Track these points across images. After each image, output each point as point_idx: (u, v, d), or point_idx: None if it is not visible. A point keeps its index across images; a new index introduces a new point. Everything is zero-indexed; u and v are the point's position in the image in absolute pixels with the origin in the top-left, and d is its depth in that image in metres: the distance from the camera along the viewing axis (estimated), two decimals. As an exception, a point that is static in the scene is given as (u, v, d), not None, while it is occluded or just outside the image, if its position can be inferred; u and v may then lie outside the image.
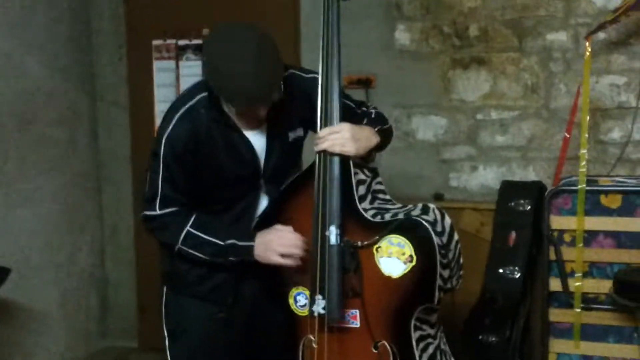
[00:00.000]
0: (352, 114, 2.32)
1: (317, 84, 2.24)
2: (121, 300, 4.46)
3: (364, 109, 2.39)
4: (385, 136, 2.31)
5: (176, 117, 2.24)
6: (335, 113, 2.19)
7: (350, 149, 2.15)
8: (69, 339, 4.18)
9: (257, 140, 2.30)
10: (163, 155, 2.24)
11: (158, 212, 2.28)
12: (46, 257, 4.01)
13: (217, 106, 2.25)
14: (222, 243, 2.25)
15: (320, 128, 2.20)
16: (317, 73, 2.26)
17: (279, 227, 2.23)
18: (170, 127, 2.23)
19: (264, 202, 2.34)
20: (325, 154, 2.18)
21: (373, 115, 2.35)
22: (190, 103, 2.26)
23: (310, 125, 2.34)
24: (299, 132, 2.37)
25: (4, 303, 3.63)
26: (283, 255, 2.20)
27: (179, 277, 2.39)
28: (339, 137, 2.15)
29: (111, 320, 4.48)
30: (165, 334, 2.42)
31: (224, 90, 2.15)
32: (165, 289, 2.43)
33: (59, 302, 4.11)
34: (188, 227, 2.26)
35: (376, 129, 2.26)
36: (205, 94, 2.26)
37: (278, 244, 2.20)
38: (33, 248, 3.92)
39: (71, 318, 4.20)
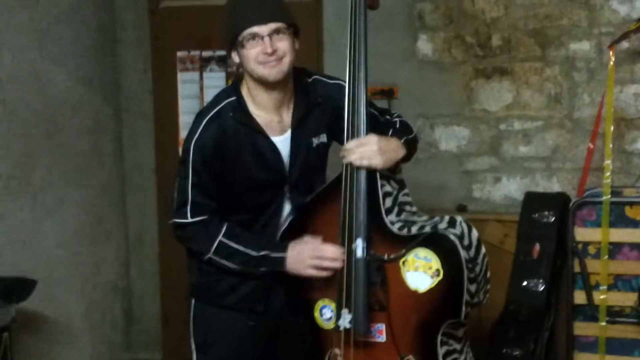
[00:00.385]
0: (375, 122, 2.33)
1: (341, 90, 2.25)
2: (146, 312, 4.48)
3: (388, 117, 2.40)
4: (411, 146, 2.31)
5: (204, 122, 2.27)
6: (362, 125, 2.19)
7: (377, 162, 2.16)
8: (93, 350, 4.20)
9: (282, 146, 2.31)
10: (192, 161, 2.26)
11: (189, 219, 2.29)
12: (71, 268, 4.04)
13: (244, 110, 2.27)
14: (254, 254, 2.26)
15: (347, 140, 2.20)
16: (341, 80, 2.29)
17: (308, 239, 2.24)
18: (198, 133, 2.26)
19: (287, 210, 2.35)
20: (352, 166, 2.18)
21: (398, 125, 2.34)
22: (218, 108, 2.29)
23: (334, 133, 2.35)
24: (323, 138, 2.38)
25: (30, 314, 3.66)
26: (315, 268, 2.21)
27: (209, 289, 2.39)
28: (367, 150, 2.15)
29: (135, 331, 4.50)
30: (193, 347, 2.43)
31: (233, 20, 2.21)
32: (193, 301, 2.43)
33: (84, 313, 4.13)
34: (221, 237, 2.27)
35: (402, 140, 2.26)
36: (232, 98, 2.29)
37: (310, 256, 2.20)
38: (58, 259, 3.95)
39: (96, 329, 4.23)
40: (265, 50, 2.19)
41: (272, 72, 2.22)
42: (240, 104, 2.27)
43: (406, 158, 2.28)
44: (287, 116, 2.32)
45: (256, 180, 2.30)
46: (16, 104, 3.68)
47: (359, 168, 2.17)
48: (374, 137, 2.17)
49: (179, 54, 4.23)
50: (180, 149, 4.12)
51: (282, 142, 2.31)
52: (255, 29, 2.18)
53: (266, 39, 2.19)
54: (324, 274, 2.21)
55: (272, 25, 2.19)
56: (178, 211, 2.31)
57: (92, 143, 4.20)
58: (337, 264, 2.19)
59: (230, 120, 2.26)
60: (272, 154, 2.29)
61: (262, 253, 2.26)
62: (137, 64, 4.34)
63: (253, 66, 2.22)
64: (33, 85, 3.78)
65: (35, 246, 3.78)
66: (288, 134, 2.32)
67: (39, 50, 3.81)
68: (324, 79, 2.40)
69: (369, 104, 2.33)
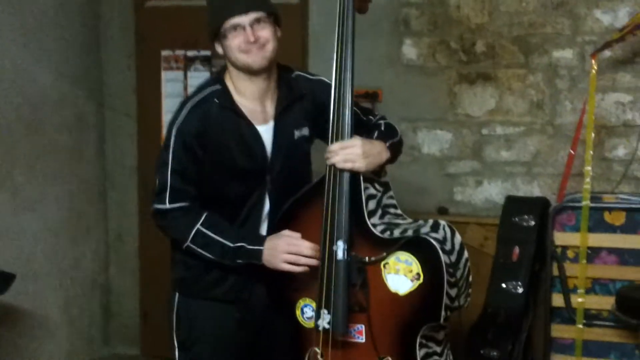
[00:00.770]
0: (358, 120, 2.33)
1: (324, 86, 2.30)
2: (124, 307, 4.47)
3: (371, 117, 2.42)
4: (396, 149, 2.33)
5: (187, 108, 2.28)
6: (347, 128, 2.20)
7: (360, 165, 2.17)
8: (71, 345, 4.20)
9: (265, 136, 2.33)
10: (173, 147, 2.26)
11: (168, 206, 2.28)
12: (50, 263, 4.03)
13: (228, 97, 2.29)
14: (231, 245, 2.25)
15: (332, 142, 2.21)
16: (323, 77, 2.35)
17: (287, 232, 2.24)
18: (181, 117, 2.27)
19: (267, 204, 2.35)
20: (335, 168, 2.19)
21: (383, 128, 2.36)
22: (202, 95, 2.30)
23: (318, 130, 2.38)
24: (305, 131, 2.39)
25: (8, 308, 3.64)
26: (290, 263, 2.21)
27: (195, 282, 2.39)
28: (350, 153, 2.16)
29: (114, 326, 4.50)
30: (176, 344, 2.41)
31: (215, 11, 2.24)
32: (177, 296, 2.42)
33: (62, 308, 4.12)
34: (198, 226, 2.26)
35: (387, 144, 2.27)
36: (217, 86, 2.31)
37: (284, 251, 2.21)
38: (38, 254, 3.94)
39: (74, 324, 4.22)
40: (248, 39, 2.22)
41: (256, 59, 2.25)
42: (225, 92, 2.30)
43: (390, 160, 2.30)
44: (271, 106, 2.34)
45: (238, 168, 2.30)
46: (-2, 99, 3.67)
47: (342, 170, 2.18)
48: (358, 141, 2.18)
49: (164, 53, 4.22)
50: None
51: (265, 131, 2.33)
52: (236, 19, 2.22)
53: (248, 28, 2.22)
54: (298, 269, 2.21)
55: (253, 15, 2.23)
56: (157, 197, 2.31)
57: (74, 140, 4.19)
58: (312, 261, 2.19)
59: (214, 107, 2.27)
60: (255, 142, 2.31)
61: (238, 244, 2.26)
62: (121, 62, 4.34)
63: (237, 55, 2.25)
64: (15, 81, 3.77)
65: (14, 241, 3.77)
66: (271, 124, 2.33)
67: (23, 47, 3.80)
68: (306, 75, 2.44)
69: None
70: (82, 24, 4.20)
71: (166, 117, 4.19)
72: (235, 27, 2.23)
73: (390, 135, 2.33)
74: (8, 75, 3.72)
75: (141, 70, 4.30)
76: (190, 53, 4.17)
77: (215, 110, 2.27)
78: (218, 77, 2.35)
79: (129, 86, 4.33)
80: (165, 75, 4.23)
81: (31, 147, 3.87)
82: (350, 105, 2.19)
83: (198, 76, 4.14)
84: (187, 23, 4.09)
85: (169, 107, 4.20)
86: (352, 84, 2.21)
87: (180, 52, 4.19)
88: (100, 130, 4.38)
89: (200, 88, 2.35)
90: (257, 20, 2.23)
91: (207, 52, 4.08)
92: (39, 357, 3.95)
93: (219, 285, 2.37)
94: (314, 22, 4.01)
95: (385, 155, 2.25)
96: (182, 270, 2.42)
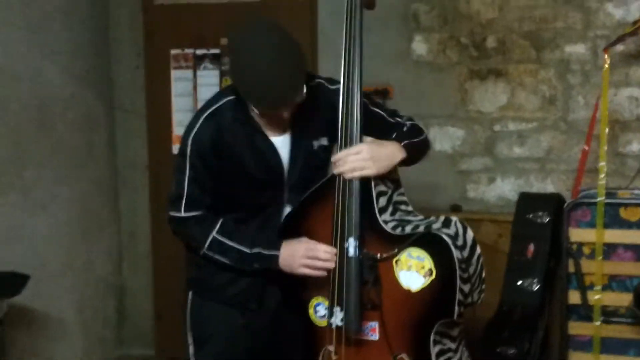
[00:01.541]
0: (384, 123, 2.32)
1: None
2: (138, 308, 4.47)
3: (398, 119, 2.38)
4: (415, 149, 2.29)
5: (202, 117, 2.28)
6: (355, 130, 2.17)
7: (370, 171, 2.15)
8: (85, 346, 4.19)
9: (282, 147, 2.31)
10: (190, 155, 2.26)
11: (183, 214, 2.29)
12: (63, 264, 4.02)
13: (243, 109, 2.26)
14: (247, 251, 2.27)
15: (341, 146, 2.18)
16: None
17: (304, 239, 2.24)
18: (196, 127, 2.27)
19: (285, 214, 2.34)
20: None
21: (405, 129, 2.33)
22: (217, 105, 2.29)
23: (334, 137, 2.33)
24: (323, 141, 2.36)
25: (22, 309, 3.64)
26: (308, 267, 2.21)
27: (206, 283, 2.40)
28: (357, 159, 2.14)
29: (128, 327, 4.49)
30: (191, 341, 2.43)
31: (246, 92, 2.18)
32: (190, 295, 2.44)
33: (76, 309, 4.12)
34: (214, 234, 2.28)
35: (403, 144, 2.24)
36: (232, 97, 2.28)
37: (303, 255, 2.21)
38: (50, 255, 3.93)
39: (88, 325, 4.22)
40: (277, 122, 2.24)
41: (275, 128, 2.27)
42: (240, 102, 2.26)
43: (407, 160, 2.25)
44: (288, 114, 2.30)
45: (254, 179, 2.29)
46: (8, 99, 3.67)
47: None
48: (364, 145, 2.16)
49: (173, 51, 4.21)
50: (173, 147, 4.16)
51: (282, 142, 2.31)
52: (270, 108, 2.19)
53: (285, 114, 2.22)
54: (316, 273, 2.22)
55: (290, 106, 2.20)
56: (173, 204, 2.32)
57: (84, 139, 4.18)
58: (329, 264, 2.20)
59: (228, 119, 2.26)
60: (271, 153, 2.29)
61: (255, 250, 2.27)
62: (130, 61, 4.33)
63: (261, 118, 2.25)
64: (25, 80, 3.76)
65: (26, 242, 3.76)
66: (287, 135, 2.31)
67: (32, 46, 3.79)
68: (326, 84, 2.37)
69: (375, 104, 2.35)
70: (91, 23, 4.20)
71: (176, 116, 4.19)
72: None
73: (411, 136, 2.29)
74: (17, 73, 3.72)
75: (150, 69, 4.29)
76: (199, 51, 4.15)
77: (229, 121, 2.26)
78: (234, 86, 2.30)
79: (138, 85, 4.32)
80: (174, 74, 4.22)
81: (41, 147, 3.87)
82: (359, 104, 2.17)
83: (207, 74, 4.14)
84: (196, 21, 4.09)
85: (178, 106, 4.20)
86: (361, 82, 2.18)
87: (189, 51, 4.18)
88: (110, 130, 4.37)
89: (216, 98, 2.33)
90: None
91: (217, 50, 4.07)
92: (53, 358, 3.95)
93: (228, 288, 2.38)
94: (323, 19, 3.99)
95: (399, 155, 2.21)
96: (194, 270, 2.43)
